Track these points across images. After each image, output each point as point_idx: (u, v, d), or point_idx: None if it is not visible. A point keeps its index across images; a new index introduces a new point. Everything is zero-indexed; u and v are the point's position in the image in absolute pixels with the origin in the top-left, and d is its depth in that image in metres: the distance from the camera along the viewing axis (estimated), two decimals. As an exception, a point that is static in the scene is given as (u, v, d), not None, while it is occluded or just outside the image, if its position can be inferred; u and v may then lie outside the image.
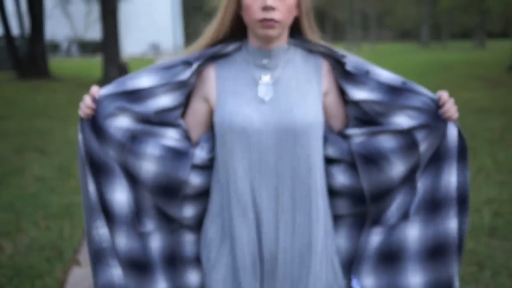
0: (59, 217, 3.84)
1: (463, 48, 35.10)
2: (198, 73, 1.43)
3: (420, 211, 1.49)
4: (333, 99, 1.45)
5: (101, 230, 1.41)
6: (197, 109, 1.45)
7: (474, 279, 2.81)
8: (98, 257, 1.41)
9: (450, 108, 1.42)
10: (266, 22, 1.31)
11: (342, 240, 1.54)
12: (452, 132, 1.46)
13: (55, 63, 19.94)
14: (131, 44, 28.88)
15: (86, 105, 1.39)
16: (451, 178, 1.46)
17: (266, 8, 1.29)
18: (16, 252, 3.26)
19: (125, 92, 1.39)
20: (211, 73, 1.43)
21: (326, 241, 1.46)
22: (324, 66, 1.44)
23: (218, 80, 1.41)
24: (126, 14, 27.82)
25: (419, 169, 1.46)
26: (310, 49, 1.45)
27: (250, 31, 1.40)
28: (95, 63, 19.90)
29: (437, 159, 1.47)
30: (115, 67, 12.79)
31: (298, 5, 1.37)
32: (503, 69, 15.54)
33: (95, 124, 1.39)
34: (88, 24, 29.76)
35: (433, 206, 1.48)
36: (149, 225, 1.46)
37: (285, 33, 1.40)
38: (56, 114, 8.80)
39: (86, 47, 30.06)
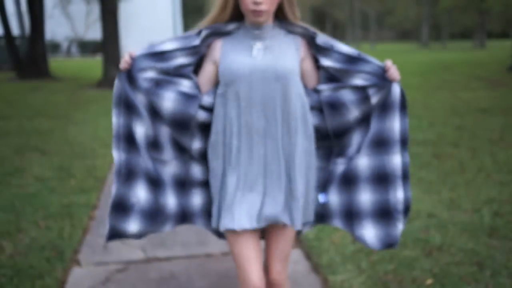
0: (59, 217, 3.84)
1: (463, 48, 35.12)
2: (209, 44, 1.96)
3: (370, 147, 1.97)
4: (308, 64, 1.97)
5: (121, 153, 1.94)
6: (207, 70, 1.97)
7: (474, 279, 2.81)
8: (117, 172, 1.94)
9: (393, 72, 1.89)
10: (256, 12, 1.81)
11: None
12: (395, 90, 1.93)
13: (55, 63, 19.98)
14: (131, 44, 28.85)
15: (125, 60, 1.87)
16: (394, 123, 1.95)
17: (255, 3, 1.78)
18: (16, 252, 3.26)
19: (153, 53, 1.90)
20: (219, 44, 1.96)
21: (306, 157, 1.93)
22: (301, 41, 1.95)
23: (223, 48, 1.94)
24: (126, 14, 27.84)
25: (371, 115, 1.95)
26: (290, 30, 1.94)
27: (245, 15, 1.89)
28: (95, 63, 19.94)
29: (383, 109, 1.95)
30: (115, 67, 12.72)
31: None
32: (503, 69, 15.56)
33: (129, 75, 1.88)
34: (88, 24, 29.76)
35: (380, 143, 1.96)
36: (167, 155, 1.99)
37: (271, 16, 1.89)
38: (56, 114, 8.81)
39: (86, 47, 30.03)
